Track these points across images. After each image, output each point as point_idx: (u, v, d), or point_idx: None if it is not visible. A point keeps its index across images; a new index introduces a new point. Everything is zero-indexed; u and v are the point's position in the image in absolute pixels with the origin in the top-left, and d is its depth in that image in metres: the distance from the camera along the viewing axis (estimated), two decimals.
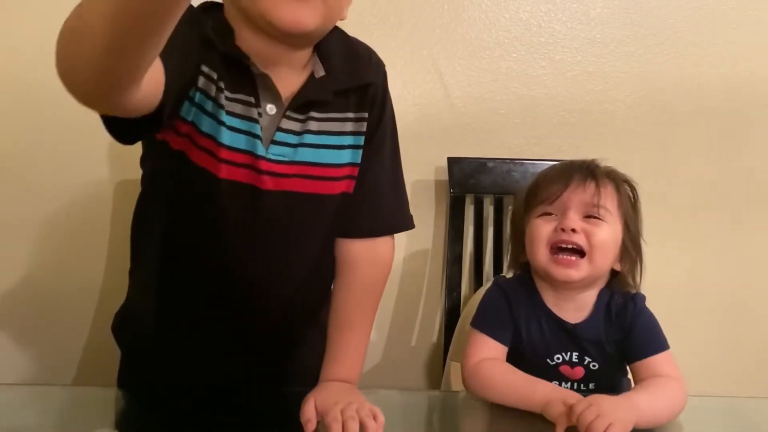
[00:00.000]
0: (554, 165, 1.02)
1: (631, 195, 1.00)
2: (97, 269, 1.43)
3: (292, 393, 0.89)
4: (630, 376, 1.01)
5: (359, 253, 0.95)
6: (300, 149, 0.86)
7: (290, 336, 0.96)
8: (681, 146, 1.50)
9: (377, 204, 0.94)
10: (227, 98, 0.81)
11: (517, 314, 0.98)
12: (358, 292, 0.95)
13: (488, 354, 0.96)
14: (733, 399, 1.03)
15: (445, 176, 1.45)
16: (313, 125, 0.86)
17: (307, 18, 0.77)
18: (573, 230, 0.92)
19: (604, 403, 0.79)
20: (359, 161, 0.91)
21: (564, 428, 0.80)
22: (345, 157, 0.90)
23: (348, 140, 0.90)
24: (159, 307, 0.91)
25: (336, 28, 0.88)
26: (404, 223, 0.99)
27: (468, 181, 1.42)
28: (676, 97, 1.48)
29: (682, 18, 1.46)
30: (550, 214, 0.95)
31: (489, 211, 1.44)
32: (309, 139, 0.86)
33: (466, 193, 1.43)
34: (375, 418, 0.76)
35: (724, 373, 1.48)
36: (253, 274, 0.89)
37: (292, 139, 0.86)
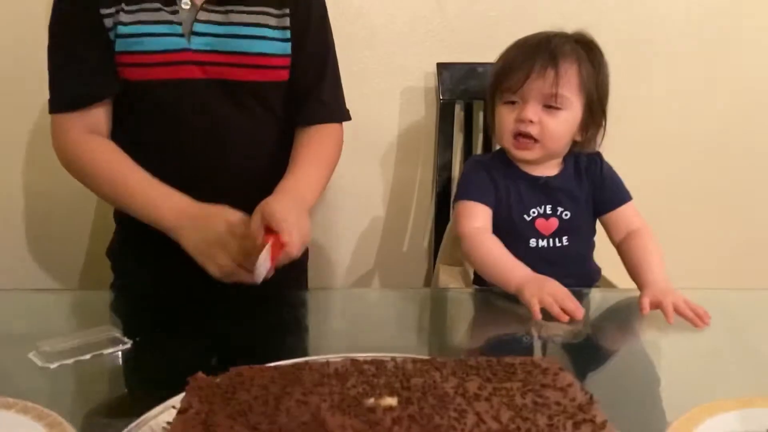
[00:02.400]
0: (519, 43, 1.11)
1: (596, 65, 1.09)
2: None
3: None
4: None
5: (308, 134, 1.06)
6: (226, 39, 0.96)
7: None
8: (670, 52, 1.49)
9: (316, 95, 1.06)
10: (129, 12, 0.93)
11: (496, 178, 1.12)
12: (311, 151, 1.04)
13: (477, 218, 1.09)
14: (714, 290, 1.09)
15: (434, 82, 1.45)
16: (234, 17, 0.96)
17: None
18: (530, 121, 1.06)
19: (667, 294, 0.93)
20: (286, 53, 1.01)
21: (538, 308, 0.91)
22: (276, 47, 1.00)
23: (274, 33, 0.99)
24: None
25: None
26: (342, 114, 1.11)
27: (458, 87, 1.42)
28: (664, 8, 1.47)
29: None
30: (513, 102, 1.08)
31: (478, 116, 1.45)
32: (233, 29, 0.96)
33: (456, 99, 1.43)
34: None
35: (705, 266, 1.54)
36: (209, 171, 1.00)
37: (215, 29, 0.96)
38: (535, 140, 1.07)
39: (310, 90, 1.06)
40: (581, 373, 0.78)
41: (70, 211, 1.45)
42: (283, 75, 1.02)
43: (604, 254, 1.21)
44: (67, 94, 0.97)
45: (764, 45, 1.52)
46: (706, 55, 1.51)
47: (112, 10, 0.93)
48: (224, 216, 0.88)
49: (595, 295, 1.12)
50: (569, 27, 1.28)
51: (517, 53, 1.09)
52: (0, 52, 1.37)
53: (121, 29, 0.93)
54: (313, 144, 1.04)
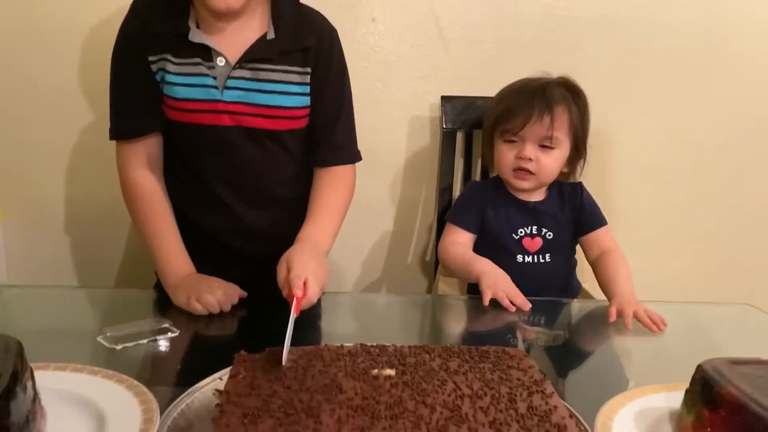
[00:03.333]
0: (517, 89, 1.29)
1: (581, 108, 1.29)
2: None
3: None
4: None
5: (324, 178, 1.18)
6: (254, 93, 1.08)
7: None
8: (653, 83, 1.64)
9: (330, 140, 1.17)
10: (175, 63, 1.06)
11: (486, 203, 1.31)
12: (326, 198, 1.16)
13: (454, 238, 1.30)
14: (682, 304, 1.22)
15: (438, 113, 1.60)
16: (262, 74, 1.08)
17: (235, 1, 1.01)
18: (529, 159, 1.25)
19: (632, 304, 1.08)
20: (305, 105, 1.13)
21: (489, 298, 1.11)
22: (297, 101, 1.12)
23: (295, 88, 1.11)
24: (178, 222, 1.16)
25: None
26: (353, 156, 1.22)
27: (459, 117, 1.57)
28: (649, 37, 1.61)
29: None
30: (512, 141, 1.27)
31: (478, 144, 1.59)
32: (260, 85, 1.09)
33: (458, 128, 1.58)
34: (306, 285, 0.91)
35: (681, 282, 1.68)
36: (231, 206, 1.15)
37: (245, 84, 1.08)
38: (532, 173, 1.26)
39: (325, 135, 1.17)
40: (561, 372, 0.92)
41: (112, 217, 1.61)
42: (302, 123, 1.15)
43: (588, 273, 1.37)
44: (122, 126, 1.13)
45: (743, 77, 1.64)
46: (687, 87, 1.64)
47: (158, 58, 1.07)
48: (212, 279, 1.05)
49: (574, 305, 1.27)
50: (560, 62, 1.45)
51: (517, 99, 1.26)
52: (61, 67, 1.54)
53: (167, 76, 1.07)
54: (328, 189, 1.16)
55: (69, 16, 1.50)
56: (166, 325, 0.94)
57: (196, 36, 1.05)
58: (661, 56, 1.62)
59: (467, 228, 1.31)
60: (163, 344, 0.91)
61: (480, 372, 0.68)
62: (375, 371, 0.66)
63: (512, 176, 1.28)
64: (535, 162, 1.26)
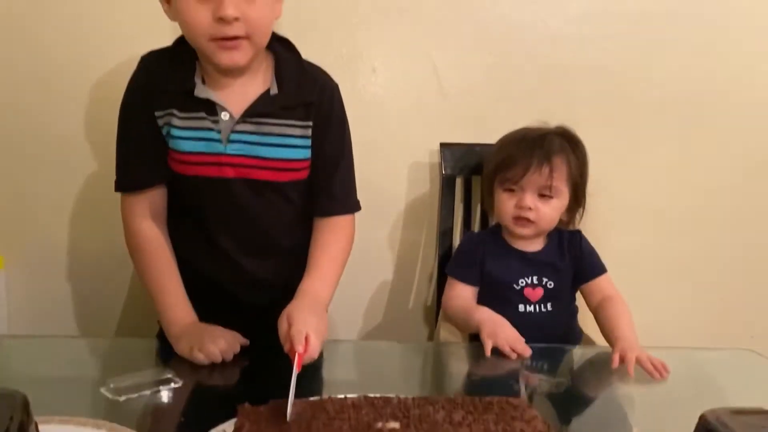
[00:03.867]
0: (517, 139, 1.31)
1: (579, 157, 1.31)
2: None
3: None
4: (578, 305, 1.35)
5: (323, 228, 1.19)
6: (257, 146, 1.11)
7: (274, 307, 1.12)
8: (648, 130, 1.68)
9: (329, 191, 1.18)
10: (180, 118, 1.09)
11: (485, 255, 1.32)
12: (325, 249, 1.17)
13: (456, 292, 1.30)
14: (682, 349, 1.23)
15: (438, 159, 1.62)
16: (264, 128, 1.11)
17: (241, 58, 1.04)
18: (529, 208, 1.27)
19: (634, 348, 1.09)
20: (306, 158, 1.15)
21: (490, 347, 1.11)
22: (298, 153, 1.14)
23: (297, 141, 1.13)
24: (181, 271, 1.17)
25: (295, 53, 1.16)
26: (351, 206, 1.22)
27: (458, 163, 1.59)
28: (642, 86, 1.65)
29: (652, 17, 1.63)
30: (512, 190, 1.29)
31: (477, 190, 1.60)
32: (263, 138, 1.11)
33: (457, 175, 1.60)
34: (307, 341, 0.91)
35: (682, 326, 1.68)
36: (234, 256, 1.17)
37: (249, 138, 1.10)
38: (532, 221, 1.28)
39: (324, 185, 1.18)
40: (564, 419, 0.91)
41: (114, 266, 1.62)
42: (304, 174, 1.17)
43: (590, 318, 1.37)
44: (128, 178, 1.15)
45: (736, 123, 1.67)
46: (681, 134, 1.67)
47: (164, 113, 1.10)
48: (214, 328, 1.06)
49: (577, 351, 1.27)
50: (555, 111, 1.48)
51: (517, 149, 1.29)
52: (67, 116, 1.57)
53: (173, 131, 1.09)
54: (328, 239, 1.17)
55: (77, 65, 1.54)
56: (169, 375, 0.94)
57: (201, 92, 1.08)
58: (654, 104, 1.66)
59: (468, 281, 1.32)
60: (166, 395, 0.91)
61: (484, 424, 0.68)
62: (379, 424, 0.67)
63: (512, 224, 1.30)
64: (534, 211, 1.27)
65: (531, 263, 1.31)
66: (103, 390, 0.89)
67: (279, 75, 1.12)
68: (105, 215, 1.48)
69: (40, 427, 0.66)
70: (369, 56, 1.60)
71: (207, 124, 1.09)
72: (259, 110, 1.10)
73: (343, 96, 1.60)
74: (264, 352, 1.05)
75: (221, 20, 0.99)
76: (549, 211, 1.28)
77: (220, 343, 1.02)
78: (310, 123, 1.14)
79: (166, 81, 1.09)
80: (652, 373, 1.05)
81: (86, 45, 1.54)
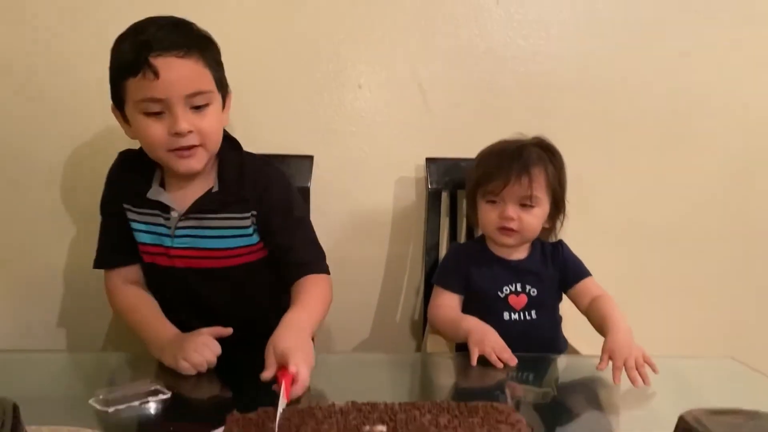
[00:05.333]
0: (496, 152, 1.34)
1: (557, 167, 1.34)
2: None
3: None
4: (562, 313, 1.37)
5: (300, 284, 1.22)
6: (198, 239, 1.21)
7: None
8: (628, 143, 1.71)
9: (294, 260, 1.24)
10: (138, 213, 1.23)
11: (470, 264, 1.35)
12: (306, 292, 1.20)
13: (442, 301, 1.33)
14: (669, 358, 1.20)
15: (423, 174, 1.64)
16: (206, 222, 1.21)
17: (196, 164, 1.16)
18: (511, 218, 1.29)
19: (624, 348, 1.10)
20: (253, 243, 1.25)
21: (477, 356, 1.12)
22: (241, 242, 1.24)
23: (242, 231, 1.23)
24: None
25: (239, 152, 1.26)
26: (321, 269, 1.26)
27: (443, 178, 1.62)
28: (623, 101, 1.69)
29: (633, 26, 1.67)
30: (494, 201, 1.32)
31: (462, 204, 1.62)
32: (205, 232, 1.22)
33: (442, 189, 1.62)
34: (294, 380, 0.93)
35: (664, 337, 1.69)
36: (201, 322, 1.17)
37: (191, 231, 1.21)
38: (515, 230, 1.31)
39: (287, 258, 1.24)
40: (549, 428, 0.92)
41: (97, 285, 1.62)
42: (255, 257, 1.26)
43: (573, 328, 1.39)
44: (103, 257, 1.27)
45: (715, 137, 1.71)
46: (661, 148, 1.71)
47: (131, 206, 1.23)
48: (197, 334, 1.09)
49: (562, 360, 1.29)
50: (538, 125, 1.50)
51: (496, 162, 1.31)
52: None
53: (133, 224, 1.23)
54: (307, 286, 1.20)
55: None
56: (158, 387, 0.95)
57: (153, 194, 1.21)
58: (634, 119, 1.69)
59: (453, 290, 1.35)
60: (154, 406, 0.91)
61: (469, 427, 0.70)
62: (366, 428, 0.68)
63: (497, 234, 1.32)
64: (517, 221, 1.30)
65: (515, 271, 1.34)
66: (91, 401, 0.90)
67: (221, 174, 1.22)
68: (90, 229, 1.49)
69: None
70: (354, 73, 1.63)
71: (159, 220, 1.21)
72: (201, 207, 1.20)
73: (329, 112, 1.63)
74: (252, 363, 1.06)
75: (177, 134, 1.11)
76: (531, 220, 1.31)
77: (205, 353, 1.04)
78: (251, 213, 1.23)
79: (129, 181, 1.23)
80: (634, 381, 1.07)
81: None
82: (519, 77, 1.67)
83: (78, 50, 1.54)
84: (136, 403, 0.90)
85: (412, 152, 1.66)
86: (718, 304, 1.77)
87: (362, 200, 1.68)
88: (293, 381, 0.92)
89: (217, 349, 1.07)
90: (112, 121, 1.22)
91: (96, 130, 1.57)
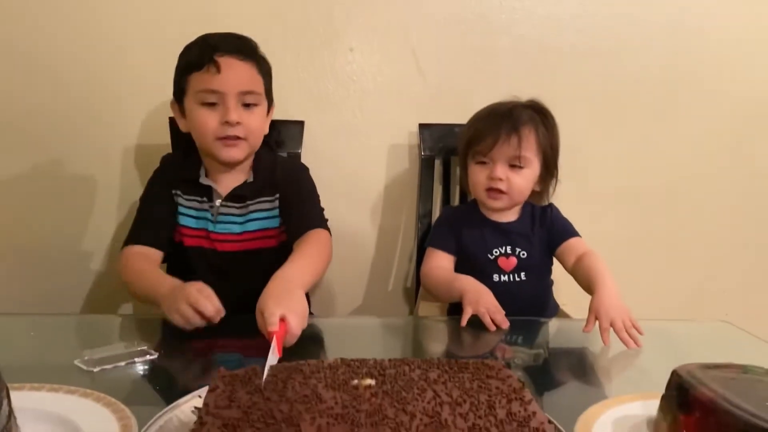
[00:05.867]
0: (486, 113, 1.33)
1: (549, 128, 1.32)
2: (108, 226, 1.63)
3: None
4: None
5: (301, 239, 1.28)
6: (237, 225, 1.33)
7: None
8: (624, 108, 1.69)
9: (299, 216, 1.33)
10: (186, 199, 1.34)
11: (461, 226, 1.34)
12: (301, 248, 1.25)
13: (436, 262, 1.32)
14: (658, 321, 1.21)
15: (416, 140, 1.63)
16: (242, 210, 1.33)
17: (238, 154, 1.29)
18: (500, 179, 1.28)
19: (610, 309, 1.09)
20: (277, 226, 1.36)
21: (469, 315, 1.12)
22: (265, 224, 1.35)
23: (265, 214, 1.35)
24: None
25: (272, 152, 1.42)
26: (325, 224, 1.35)
27: (437, 144, 1.60)
28: (619, 66, 1.67)
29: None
30: (484, 162, 1.30)
31: (455, 171, 1.62)
32: (240, 219, 1.33)
33: (436, 155, 1.61)
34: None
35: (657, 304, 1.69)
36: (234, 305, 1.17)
37: (230, 218, 1.33)
38: (504, 192, 1.29)
39: (294, 215, 1.33)
40: (539, 389, 0.92)
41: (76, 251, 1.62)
42: (280, 240, 1.35)
43: (565, 294, 1.38)
44: (136, 235, 1.32)
45: (712, 103, 1.70)
46: (658, 113, 1.70)
47: (180, 192, 1.34)
48: (193, 284, 1.07)
49: (553, 324, 1.28)
50: (533, 91, 1.48)
51: (486, 123, 1.30)
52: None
53: (180, 209, 1.33)
54: (305, 240, 1.26)
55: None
56: (144, 347, 0.94)
57: (204, 180, 1.33)
58: (631, 84, 1.68)
59: (447, 250, 1.34)
60: (141, 367, 0.90)
61: (459, 381, 0.69)
62: (355, 381, 0.67)
63: (486, 196, 1.32)
64: (506, 181, 1.29)
65: (504, 233, 1.33)
66: (77, 362, 0.88)
67: (256, 168, 1.35)
68: (66, 199, 1.47)
69: (12, 394, 0.65)
70: (346, 36, 1.60)
71: (205, 206, 1.33)
72: (238, 194, 1.32)
73: (321, 75, 1.60)
74: (242, 325, 1.05)
75: (227, 123, 1.24)
76: (520, 181, 1.30)
77: (215, 302, 1.03)
78: (275, 197, 1.35)
79: (181, 170, 1.35)
80: (627, 342, 1.06)
81: None
82: (513, 41, 1.64)
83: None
84: (123, 363, 0.89)
85: (404, 118, 1.64)
86: (711, 269, 1.77)
87: (354, 167, 1.66)
88: (283, 332, 0.91)
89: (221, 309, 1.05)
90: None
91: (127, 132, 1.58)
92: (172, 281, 1.13)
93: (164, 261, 1.34)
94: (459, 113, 1.57)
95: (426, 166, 1.61)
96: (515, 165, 1.29)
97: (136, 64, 1.57)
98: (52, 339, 1.03)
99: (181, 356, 0.98)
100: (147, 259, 1.27)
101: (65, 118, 1.58)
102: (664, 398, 0.70)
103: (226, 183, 1.33)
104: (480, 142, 1.29)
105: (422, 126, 1.60)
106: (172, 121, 1.51)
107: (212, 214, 1.33)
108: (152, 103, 1.58)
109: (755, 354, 1.09)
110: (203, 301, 1.02)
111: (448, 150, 1.60)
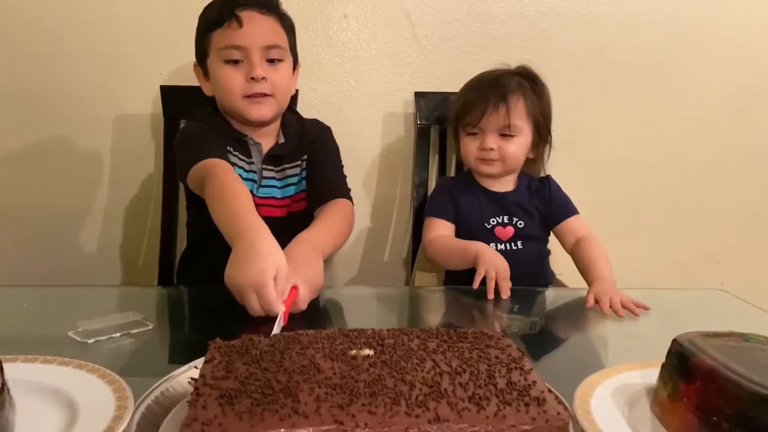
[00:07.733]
0: (473, 84, 1.32)
1: (538, 94, 1.31)
2: (99, 196, 1.61)
3: None
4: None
5: (323, 208, 1.27)
6: (276, 189, 1.30)
7: None
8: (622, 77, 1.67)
9: (326, 184, 1.32)
10: (238, 159, 1.26)
11: (458, 196, 1.34)
12: (323, 216, 1.24)
13: (439, 231, 1.31)
14: (654, 290, 1.22)
15: (412, 109, 1.60)
16: (284, 173, 1.31)
17: (267, 112, 1.25)
18: (491, 149, 1.29)
19: (608, 291, 1.09)
20: (303, 189, 1.33)
21: (482, 276, 1.12)
22: (296, 189, 1.33)
23: (295, 179, 1.33)
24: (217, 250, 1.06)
25: (298, 114, 1.40)
26: (348, 194, 1.33)
27: (433, 113, 1.58)
28: (618, 32, 1.64)
29: None
30: (474, 133, 1.31)
31: (451, 139, 1.59)
32: (277, 182, 1.30)
33: (432, 124, 1.59)
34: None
35: (654, 274, 1.70)
36: None
37: (275, 182, 1.30)
38: (496, 159, 1.29)
39: (321, 183, 1.31)
40: (537, 357, 0.91)
41: (71, 222, 1.59)
42: (302, 206, 1.32)
43: (562, 264, 1.38)
44: (214, 151, 1.18)
45: (712, 71, 1.68)
46: (657, 81, 1.68)
47: (231, 149, 1.25)
48: (275, 269, 0.90)
49: (549, 293, 1.28)
50: (530, 57, 1.46)
51: (473, 93, 1.29)
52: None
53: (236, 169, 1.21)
54: (327, 212, 1.24)
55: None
56: (139, 318, 0.93)
57: (248, 138, 1.27)
58: (630, 51, 1.65)
59: (448, 219, 1.33)
60: (136, 338, 0.89)
61: (458, 351, 0.68)
62: (353, 351, 0.66)
63: (478, 164, 1.31)
64: (497, 150, 1.29)
65: (501, 203, 1.33)
66: (71, 333, 0.87)
67: (284, 129, 1.33)
68: (58, 170, 1.44)
69: (5, 366, 0.64)
70: (340, 2, 1.57)
71: (252, 167, 1.28)
72: (273, 155, 1.30)
73: (314, 43, 1.58)
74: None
75: (252, 79, 1.21)
76: (513, 149, 1.29)
77: (278, 307, 0.90)
78: (301, 159, 1.34)
79: (227, 124, 1.29)
80: (622, 313, 1.06)
81: None
82: (511, 7, 1.61)
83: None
84: (117, 334, 0.88)
85: (400, 86, 1.62)
86: (708, 238, 1.77)
87: (349, 136, 1.63)
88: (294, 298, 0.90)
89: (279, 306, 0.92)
90: None
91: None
92: (262, 228, 0.96)
93: (196, 209, 1.28)
94: (455, 81, 1.55)
95: (422, 135, 1.59)
96: (506, 134, 1.28)
97: (127, 33, 1.53)
98: (46, 310, 1.02)
99: (176, 327, 0.97)
100: (238, 179, 1.11)
101: (55, 90, 1.55)
102: (664, 367, 0.69)
103: (261, 143, 1.29)
104: (469, 114, 1.29)
105: (418, 94, 1.58)
106: (164, 91, 1.48)
107: (258, 177, 1.28)
108: (144, 70, 1.55)
109: (752, 322, 1.09)
110: (270, 307, 0.88)
111: (444, 118, 1.57)
